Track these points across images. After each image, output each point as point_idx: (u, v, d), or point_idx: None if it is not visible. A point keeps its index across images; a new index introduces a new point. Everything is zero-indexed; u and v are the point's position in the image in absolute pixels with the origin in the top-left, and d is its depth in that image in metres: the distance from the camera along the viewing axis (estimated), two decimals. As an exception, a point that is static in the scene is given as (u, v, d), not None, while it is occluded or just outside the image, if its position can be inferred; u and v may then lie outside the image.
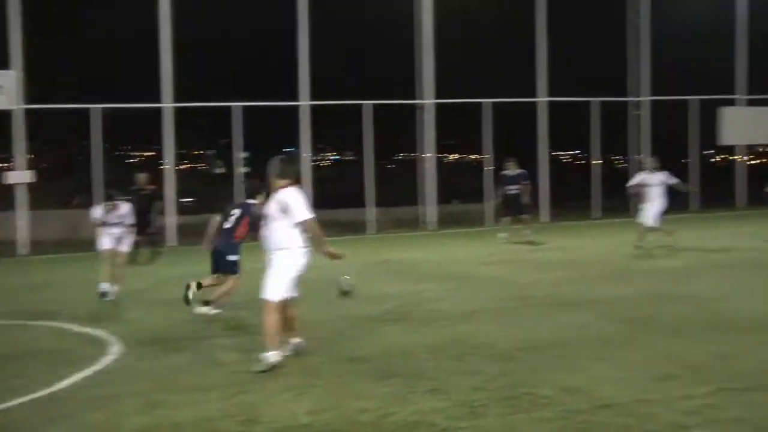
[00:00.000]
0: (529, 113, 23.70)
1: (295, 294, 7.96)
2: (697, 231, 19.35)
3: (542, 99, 23.71)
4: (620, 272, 13.35)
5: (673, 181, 15.86)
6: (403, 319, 9.92)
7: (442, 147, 24.37)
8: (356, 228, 21.51)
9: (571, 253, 16.00)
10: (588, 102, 24.35)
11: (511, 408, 6.28)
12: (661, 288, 11.54)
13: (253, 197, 10.92)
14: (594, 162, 25.22)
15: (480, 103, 22.99)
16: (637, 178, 16.16)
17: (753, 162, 31.30)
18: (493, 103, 23.06)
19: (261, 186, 10.46)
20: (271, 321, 7.67)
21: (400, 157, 30.54)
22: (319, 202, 20.97)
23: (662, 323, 9.17)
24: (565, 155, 36.16)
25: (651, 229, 15.68)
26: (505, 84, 23.34)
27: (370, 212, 21.97)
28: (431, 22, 22.31)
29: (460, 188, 26.06)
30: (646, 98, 25.20)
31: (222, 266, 10.83)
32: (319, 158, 30.86)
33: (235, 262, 10.79)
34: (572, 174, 29.95)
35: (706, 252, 15.41)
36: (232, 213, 10.91)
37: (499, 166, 20.56)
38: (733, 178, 26.87)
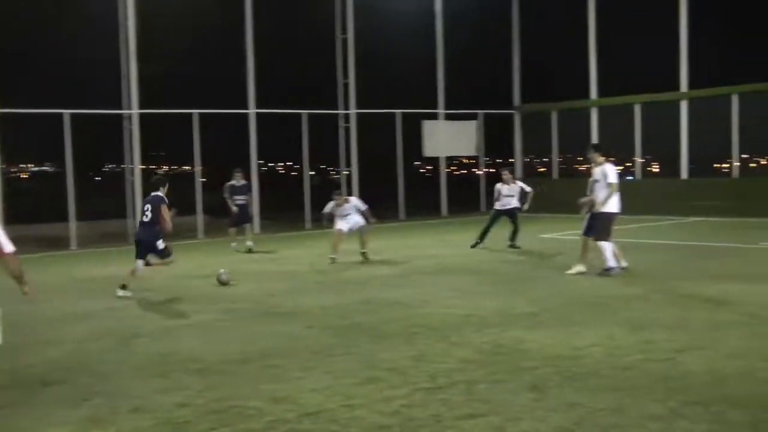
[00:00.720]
0: (241, 124, 23.65)
1: None
2: (405, 239, 20.26)
3: (252, 110, 23.73)
4: (332, 281, 13.60)
5: (364, 207, 16.13)
6: (106, 337, 9.43)
7: (151, 158, 23.63)
8: (57, 243, 20.32)
9: (284, 264, 16.10)
10: (299, 114, 24.71)
11: (216, 422, 6.13)
12: (370, 295, 11.87)
13: (157, 189, 12.54)
14: (310, 173, 25.65)
15: (190, 113, 22.58)
16: (329, 208, 16.29)
17: (457, 172, 33.40)
18: (202, 113, 22.72)
19: (163, 179, 12.93)
20: None
21: (107, 169, 29.30)
22: (14, 216, 19.74)
23: (369, 329, 9.42)
24: (280, 166, 36.58)
25: (340, 240, 15.95)
26: (217, 95, 23.14)
27: (73, 226, 20.82)
28: (134, 29, 21.60)
29: (171, 200, 25.35)
30: (353, 111, 26.02)
31: (156, 254, 12.50)
32: (15, 170, 28.89)
33: (164, 248, 12.44)
34: (285, 185, 30.24)
35: (413, 259, 16.10)
36: (145, 208, 12.42)
37: (208, 178, 20.28)
38: (438, 187, 28.44)
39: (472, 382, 6.95)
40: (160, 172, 13.25)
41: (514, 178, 18.00)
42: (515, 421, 5.91)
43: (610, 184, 12.91)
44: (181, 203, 23.52)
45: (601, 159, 13.20)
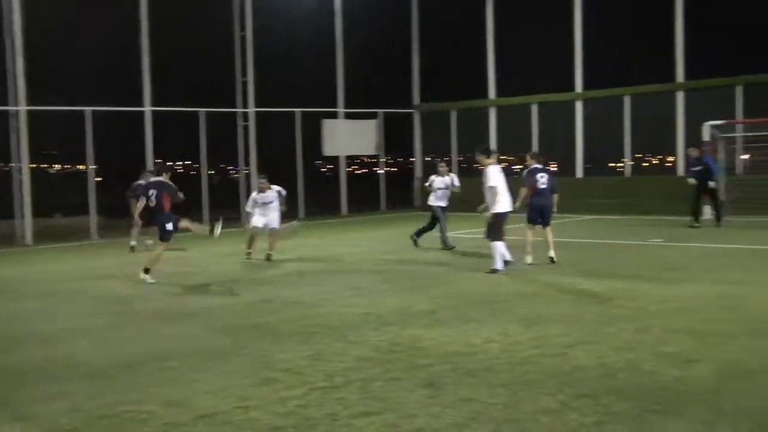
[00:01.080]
0: (136, 122, 23.13)
1: None
2: (306, 238, 20.09)
3: (147, 108, 23.24)
4: (231, 281, 13.41)
5: (284, 192, 16.14)
6: (-9, 343, 9.07)
7: (42, 157, 22.86)
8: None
9: (182, 264, 15.79)
10: (196, 112, 24.32)
11: (106, 428, 5.97)
12: (269, 295, 11.76)
13: (160, 175, 13.59)
14: (209, 172, 25.27)
15: (83, 111, 21.95)
16: (250, 203, 16.18)
17: (359, 171, 33.45)
18: (95, 111, 22.10)
19: (165, 166, 14.06)
20: None
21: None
22: None
23: (267, 330, 9.32)
24: (179, 165, 35.88)
25: (256, 236, 15.96)
26: (112, 92, 22.57)
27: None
28: (20, 23, 20.87)
29: (63, 201, 24.63)
30: (252, 109, 25.76)
31: (161, 234, 13.44)
32: None
33: (170, 231, 13.37)
34: (184, 184, 29.62)
35: (313, 258, 16.02)
36: (150, 194, 13.36)
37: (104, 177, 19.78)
38: (339, 186, 28.41)
39: (369, 381, 6.94)
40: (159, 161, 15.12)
41: (449, 171, 17.84)
42: (410, 418, 5.92)
43: (490, 187, 13.17)
44: (74, 204, 23.10)
45: (487, 161, 13.44)
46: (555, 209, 14.80)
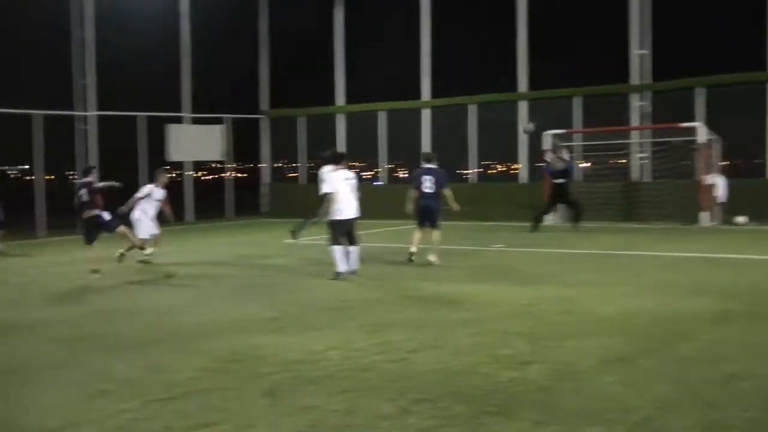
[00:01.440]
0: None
1: None
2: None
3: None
4: (66, 291, 12.87)
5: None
6: None
7: None
8: None
9: (22, 274, 15.08)
10: (29, 115, 23.28)
11: None
12: (107, 305, 11.36)
13: (86, 176, 14.55)
14: (47, 177, 24.24)
15: None
16: (145, 191, 15.94)
17: (207, 177, 32.93)
18: None
19: (91, 168, 15.39)
20: None
21: None
22: None
23: (102, 341, 8.98)
24: (13, 170, 34.36)
25: (146, 241, 15.83)
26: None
27: None
28: None
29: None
30: (92, 113, 24.90)
31: (106, 229, 14.19)
32: None
33: (111, 219, 14.25)
34: (19, 191, 28.31)
35: (153, 266, 15.58)
36: (80, 193, 14.16)
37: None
38: (183, 194, 27.83)
39: (208, 391, 6.78)
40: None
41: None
42: (248, 428, 5.82)
43: (326, 194, 13.21)
44: None
45: (328, 168, 13.45)
46: (455, 206, 15.02)
